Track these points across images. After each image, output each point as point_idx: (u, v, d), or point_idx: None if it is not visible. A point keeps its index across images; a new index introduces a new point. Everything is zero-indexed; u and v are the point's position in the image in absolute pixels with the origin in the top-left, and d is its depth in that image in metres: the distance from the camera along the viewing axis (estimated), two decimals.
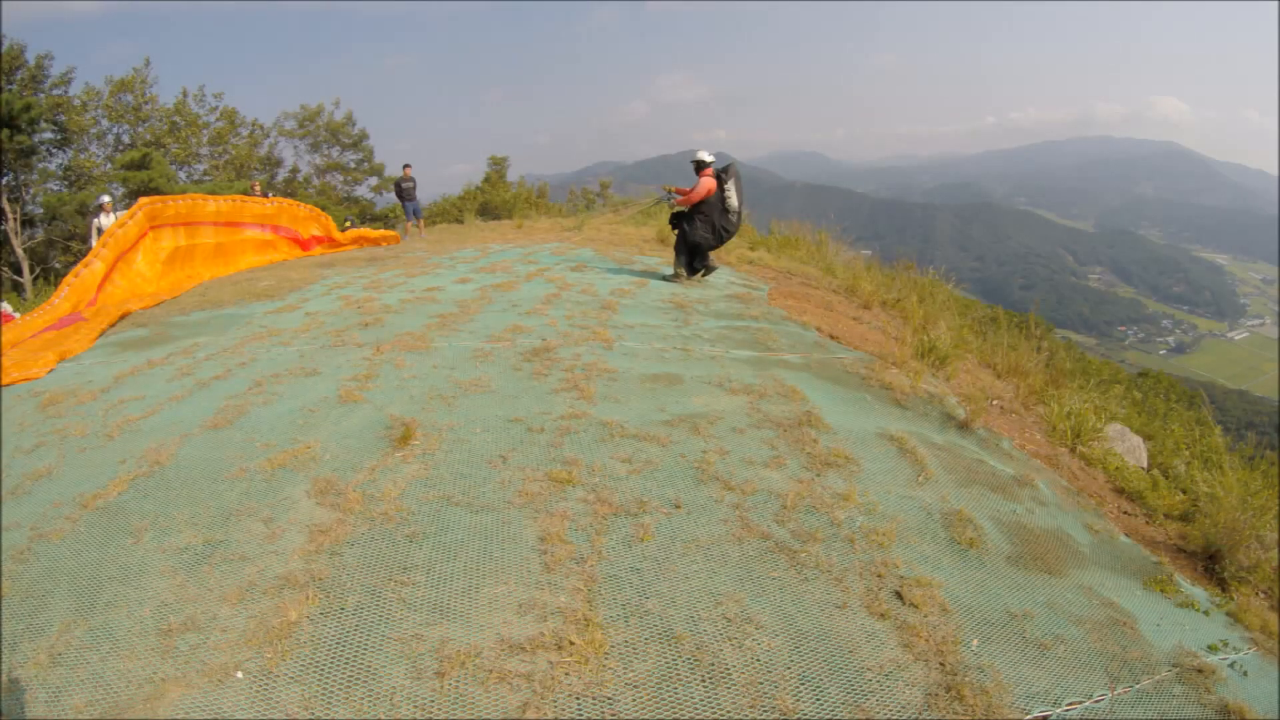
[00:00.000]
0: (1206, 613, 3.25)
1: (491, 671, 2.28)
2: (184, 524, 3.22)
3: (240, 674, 2.31)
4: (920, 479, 3.93)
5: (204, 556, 2.96)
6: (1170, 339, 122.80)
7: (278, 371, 5.38)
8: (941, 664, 2.50)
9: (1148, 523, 4.58)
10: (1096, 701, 2.49)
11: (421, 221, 17.48)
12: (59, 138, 22.42)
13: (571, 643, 2.41)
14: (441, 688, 2.22)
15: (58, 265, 20.32)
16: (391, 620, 2.53)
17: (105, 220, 12.39)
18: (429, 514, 3.25)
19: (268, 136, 28.40)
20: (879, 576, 2.96)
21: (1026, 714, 2.37)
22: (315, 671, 2.31)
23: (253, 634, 2.47)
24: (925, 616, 2.74)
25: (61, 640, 2.55)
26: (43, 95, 21.75)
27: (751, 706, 2.24)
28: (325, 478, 3.56)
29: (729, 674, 2.35)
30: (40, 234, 21.04)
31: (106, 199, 12.88)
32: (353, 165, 29.80)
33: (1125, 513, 4.70)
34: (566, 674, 2.29)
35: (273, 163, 28.43)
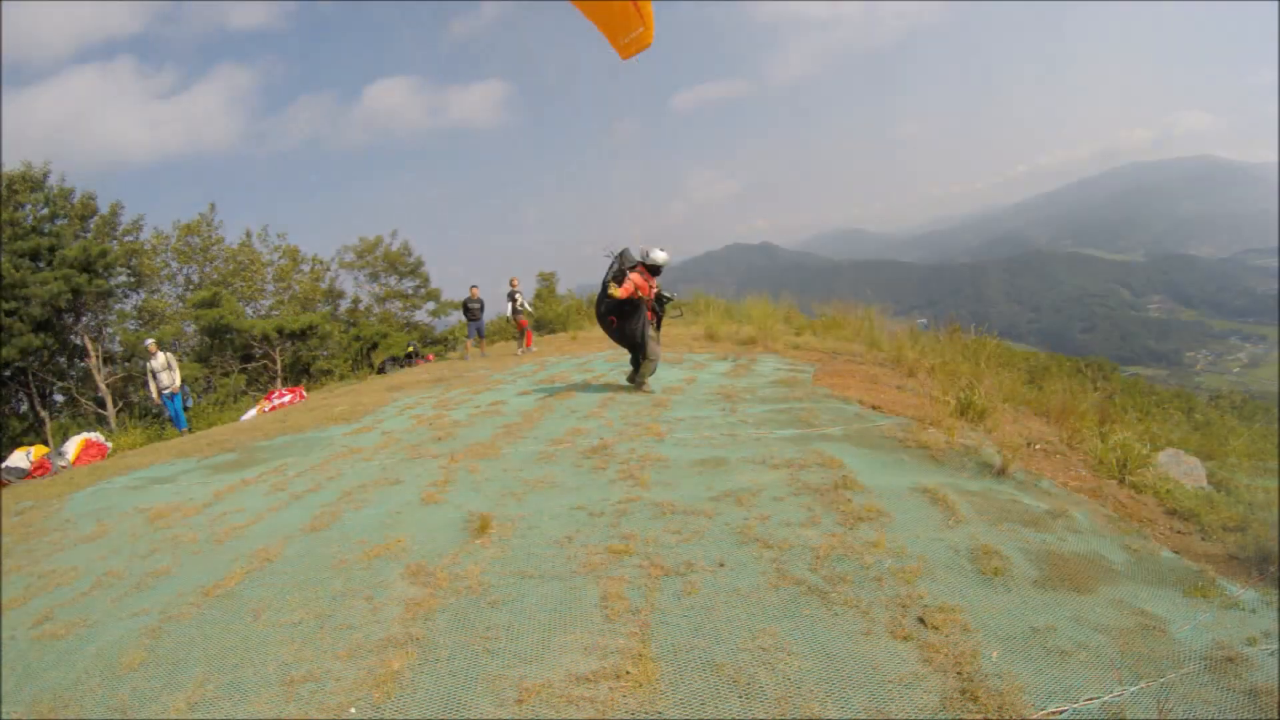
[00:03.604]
0: (1253, 611, 3.33)
1: (561, 697, 2.70)
2: (296, 605, 3.81)
3: (354, 710, 2.79)
4: (950, 523, 4.21)
5: (316, 628, 3.51)
6: (1242, 354, 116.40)
7: (363, 483, 6.09)
8: (959, 673, 2.77)
9: (1203, 539, 4.66)
10: (1115, 695, 2.70)
11: (483, 341, 18.56)
12: (133, 280, 23.86)
13: (628, 672, 2.82)
14: (520, 711, 2.65)
15: (136, 399, 21.74)
16: (478, 665, 3.00)
17: (155, 363, 13.91)
18: (506, 585, 3.76)
19: (328, 270, 30.20)
20: (904, 607, 3.26)
21: (1041, 710, 2.61)
22: (416, 707, 2.78)
23: (362, 681, 2.97)
24: (946, 636, 3.01)
25: (198, 693, 3.11)
26: (116, 242, 23.39)
27: (783, 715, 2.58)
28: (416, 563, 4.13)
29: (763, 690, 2.70)
30: (120, 371, 22.53)
31: (151, 341, 14.32)
32: (410, 292, 31.27)
33: (1178, 532, 4.80)
34: (624, 696, 2.69)
35: (335, 294, 30.14)
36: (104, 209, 23.69)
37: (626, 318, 8.77)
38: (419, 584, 3.85)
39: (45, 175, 21.47)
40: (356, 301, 30.13)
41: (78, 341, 21.53)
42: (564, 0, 8.40)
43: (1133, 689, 2.71)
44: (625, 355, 10.51)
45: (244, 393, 21.08)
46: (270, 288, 28.18)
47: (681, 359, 11.50)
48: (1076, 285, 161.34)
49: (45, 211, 20.92)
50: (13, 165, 21.05)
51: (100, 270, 20.76)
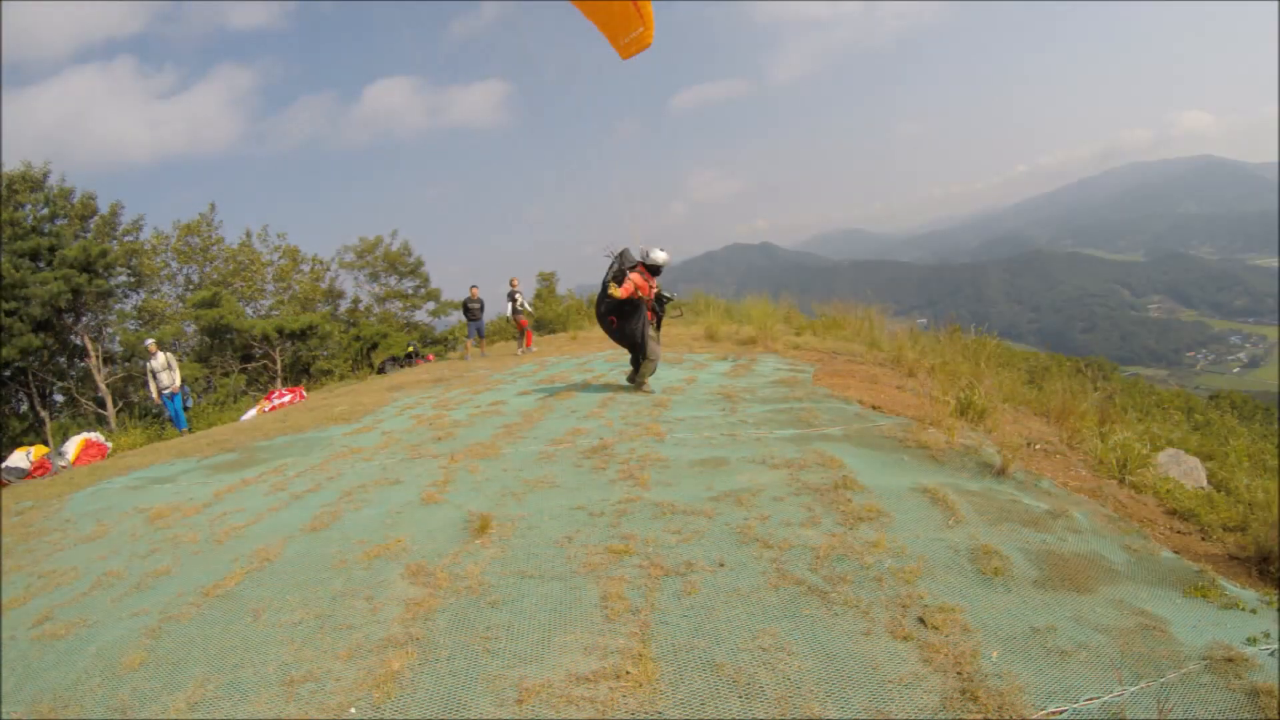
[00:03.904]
0: (1254, 611, 3.34)
1: (561, 697, 2.71)
2: (296, 605, 3.82)
3: (354, 710, 2.79)
4: (950, 523, 4.21)
5: (316, 628, 3.52)
6: (1241, 354, 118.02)
7: (363, 483, 6.10)
8: (959, 673, 2.77)
9: (1203, 539, 4.66)
10: (1115, 695, 2.70)
11: (483, 341, 18.55)
12: (133, 280, 23.93)
13: (628, 672, 2.82)
14: (520, 712, 2.65)
15: (136, 399, 21.80)
16: (478, 665, 3.01)
17: (155, 363, 13.91)
18: (506, 585, 3.77)
19: (328, 270, 30.24)
20: (904, 607, 3.27)
21: (1041, 710, 2.61)
22: (416, 707, 2.78)
23: (362, 681, 2.98)
24: (946, 636, 3.02)
25: (198, 693, 3.12)
26: (116, 242, 23.55)
27: (783, 715, 2.58)
28: (416, 563, 4.13)
29: (763, 690, 2.71)
30: (120, 371, 22.65)
31: (151, 341, 14.30)
32: (410, 292, 31.28)
33: (1178, 532, 4.80)
34: (624, 696, 2.69)
35: (335, 294, 30.13)
36: (104, 209, 23.71)
37: (626, 318, 8.77)
38: (419, 584, 3.85)
39: (45, 175, 21.54)
40: (356, 301, 30.15)
41: (78, 341, 21.51)
42: (564, 0, 8.40)
43: (1133, 689, 2.71)
44: (625, 355, 10.47)
45: (244, 393, 21.07)
46: (270, 288, 28.18)
47: (681, 359, 11.50)
48: (1076, 285, 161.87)
49: (45, 211, 20.94)
50: (13, 165, 21.13)
51: (100, 270, 20.80)
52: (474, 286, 17.57)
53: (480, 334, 17.95)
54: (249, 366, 22.77)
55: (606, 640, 3.11)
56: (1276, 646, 3.03)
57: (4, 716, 3.19)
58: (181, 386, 14.35)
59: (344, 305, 29.95)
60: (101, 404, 21.21)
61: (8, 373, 20.20)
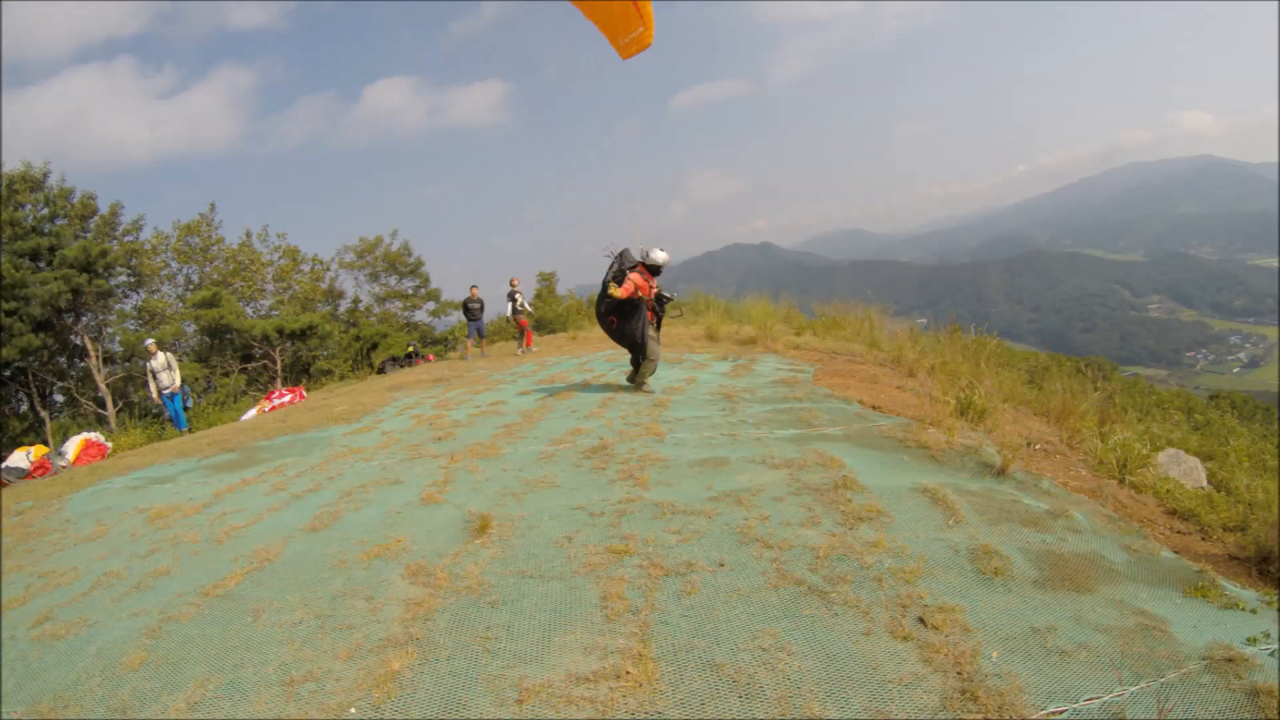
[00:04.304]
0: (1254, 611, 3.34)
1: (561, 697, 2.71)
2: (296, 605, 3.83)
3: (354, 710, 2.80)
4: (950, 523, 4.21)
5: (316, 628, 3.53)
6: (1242, 354, 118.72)
7: (363, 483, 6.10)
8: (959, 673, 2.78)
9: (1203, 539, 4.67)
10: (1115, 695, 2.70)
11: (483, 341, 18.54)
12: (133, 280, 24.14)
13: (628, 672, 2.83)
14: (520, 712, 2.66)
15: (136, 400, 21.81)
16: (478, 665, 3.02)
17: (155, 363, 13.91)
18: (506, 585, 3.78)
19: (328, 270, 30.27)
20: (904, 607, 3.27)
21: (1041, 710, 2.61)
22: (416, 707, 2.79)
23: (362, 681, 2.99)
24: (946, 636, 3.02)
25: (198, 693, 3.12)
26: (116, 242, 23.71)
27: (783, 715, 2.58)
28: (416, 563, 4.14)
29: (763, 690, 2.71)
30: (120, 371, 22.71)
31: (151, 342, 14.28)
32: (410, 292, 31.31)
33: (1178, 532, 4.80)
34: (624, 696, 2.70)
35: (335, 294, 30.16)
36: (104, 209, 23.73)
37: (626, 318, 8.77)
38: (419, 584, 3.86)
39: (45, 175, 21.61)
40: (356, 301, 30.14)
41: (78, 341, 21.53)
42: (564, 0, 8.41)
43: (1133, 689, 2.71)
44: (625, 355, 10.41)
45: (244, 393, 21.06)
46: (270, 288, 28.24)
47: (681, 359, 11.51)
48: (1076, 285, 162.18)
49: (45, 211, 20.99)
50: (13, 165, 21.16)
51: (100, 270, 20.89)
52: (474, 286, 17.55)
53: (480, 334, 17.94)
54: (249, 366, 22.76)
55: (606, 640, 3.12)
56: (1276, 646, 3.04)
57: (4, 716, 3.20)
58: (181, 386, 14.34)
59: (344, 305, 29.94)
60: (101, 404, 21.23)
61: (8, 373, 20.24)
